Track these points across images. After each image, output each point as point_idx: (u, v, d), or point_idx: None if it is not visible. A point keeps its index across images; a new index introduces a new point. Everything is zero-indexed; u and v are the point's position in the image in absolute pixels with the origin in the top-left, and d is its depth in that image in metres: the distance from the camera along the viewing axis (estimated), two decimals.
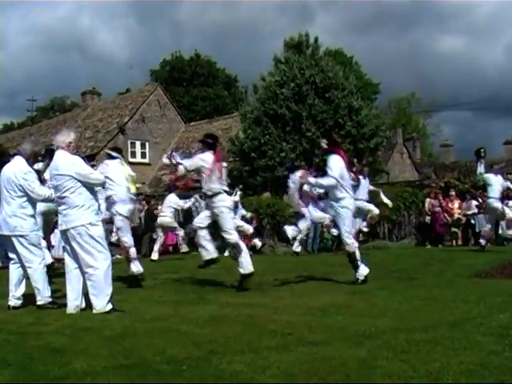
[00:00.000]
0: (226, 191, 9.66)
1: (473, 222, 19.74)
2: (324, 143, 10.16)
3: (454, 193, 20.38)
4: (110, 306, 7.19)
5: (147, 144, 35.32)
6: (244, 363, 4.70)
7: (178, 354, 5.08)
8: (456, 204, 19.76)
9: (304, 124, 21.78)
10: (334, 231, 16.74)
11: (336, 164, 9.58)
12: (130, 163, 32.58)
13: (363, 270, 9.57)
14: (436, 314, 6.50)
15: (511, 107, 67.95)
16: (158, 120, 36.58)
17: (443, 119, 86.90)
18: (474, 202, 19.89)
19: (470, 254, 14.48)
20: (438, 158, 43.23)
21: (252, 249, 17.57)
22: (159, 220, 16.65)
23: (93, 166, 10.31)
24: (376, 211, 14.96)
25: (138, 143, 35.02)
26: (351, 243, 9.68)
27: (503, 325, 5.75)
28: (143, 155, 35.21)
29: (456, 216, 19.40)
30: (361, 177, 15.66)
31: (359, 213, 15.58)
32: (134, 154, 34.56)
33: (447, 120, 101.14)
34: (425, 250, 16.20)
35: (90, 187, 7.29)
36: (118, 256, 13.69)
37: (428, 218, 19.87)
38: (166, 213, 16.41)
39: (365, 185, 15.80)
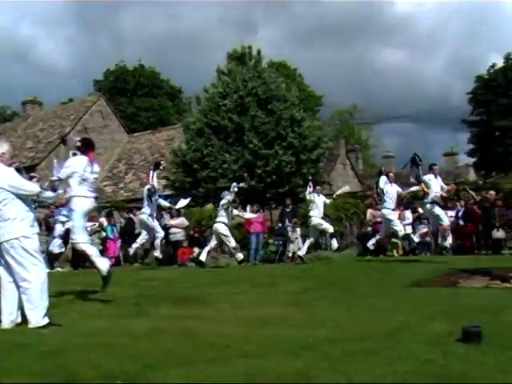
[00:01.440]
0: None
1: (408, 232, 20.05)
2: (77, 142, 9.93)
3: None
4: (46, 320, 7.02)
5: None
6: (179, 376, 4.66)
7: (113, 368, 4.99)
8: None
9: (246, 135, 21.81)
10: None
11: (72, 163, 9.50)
12: None
13: None
14: (373, 324, 6.56)
15: (451, 119, 69.42)
16: (100, 131, 36.16)
17: (385, 131, 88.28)
18: (409, 213, 20.25)
19: (409, 263, 14.66)
20: None
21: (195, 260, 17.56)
22: None
23: (32, 177, 10.10)
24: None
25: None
26: None
27: (438, 333, 5.83)
28: None
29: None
30: (315, 195, 16.03)
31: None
32: None
33: (389, 132, 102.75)
34: (366, 260, 16.36)
35: (25, 198, 7.13)
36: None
37: (370, 229, 20.10)
38: None
39: (320, 203, 16.18)
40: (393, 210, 15.63)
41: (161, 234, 16.09)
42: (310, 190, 16.60)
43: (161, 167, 16.31)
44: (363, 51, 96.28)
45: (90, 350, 5.68)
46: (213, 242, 16.50)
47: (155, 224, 15.84)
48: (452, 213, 19.79)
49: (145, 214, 15.72)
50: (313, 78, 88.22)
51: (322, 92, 55.47)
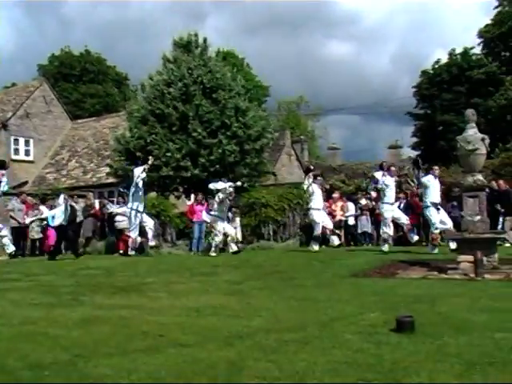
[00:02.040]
0: None
1: (351, 223, 20.29)
2: None
3: (337, 195, 20.83)
4: None
5: (31, 141, 34.04)
6: (110, 366, 4.59)
7: (42, 358, 4.89)
8: (339, 206, 20.19)
9: (190, 124, 21.61)
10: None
11: None
12: (13, 160, 31.58)
13: None
14: (309, 314, 6.57)
15: (396, 112, 70.29)
16: (43, 116, 35.37)
17: (331, 122, 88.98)
18: (352, 205, 20.47)
19: (351, 254, 14.80)
20: (326, 161, 44.08)
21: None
22: None
23: None
24: None
25: (21, 140, 33.67)
26: None
27: (372, 323, 5.88)
28: (27, 153, 33.91)
29: (338, 218, 19.81)
30: (315, 186, 15.97)
31: None
32: (17, 151, 33.24)
33: (335, 123, 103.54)
34: (308, 251, 16.42)
35: None
36: None
37: None
38: None
39: (320, 194, 16.19)
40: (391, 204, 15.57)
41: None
42: (310, 180, 16.47)
43: (149, 162, 16.44)
44: (311, 43, 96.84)
45: (19, 341, 5.56)
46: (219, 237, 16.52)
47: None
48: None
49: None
50: (260, 69, 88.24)
51: (269, 83, 55.65)
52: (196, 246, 18.72)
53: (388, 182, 15.18)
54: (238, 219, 19.23)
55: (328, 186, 22.98)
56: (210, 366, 4.53)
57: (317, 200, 16.21)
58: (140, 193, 16.36)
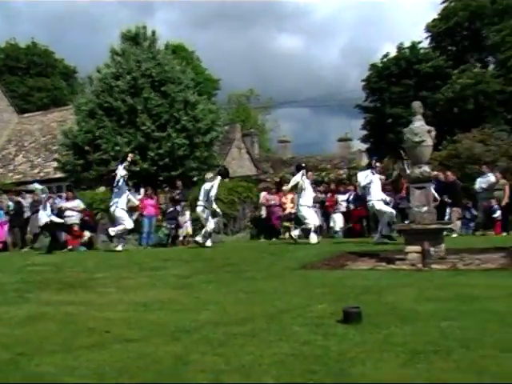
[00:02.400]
0: None
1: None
2: None
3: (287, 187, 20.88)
4: None
5: None
6: (53, 364, 4.50)
7: None
8: (289, 198, 20.24)
9: (139, 117, 21.44)
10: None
11: None
12: None
13: None
14: (258, 307, 6.55)
15: (345, 106, 70.62)
16: None
17: (281, 116, 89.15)
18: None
19: (301, 246, 14.82)
20: (276, 154, 44.18)
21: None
22: None
23: None
24: None
25: None
26: None
27: (319, 315, 5.88)
28: None
29: (288, 210, 19.87)
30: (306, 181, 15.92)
31: None
32: None
33: (285, 117, 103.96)
34: (258, 244, 16.43)
35: None
36: None
37: (264, 212, 20.24)
38: None
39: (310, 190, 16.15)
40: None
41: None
42: (301, 176, 16.08)
43: (128, 159, 16.12)
44: (262, 36, 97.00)
45: None
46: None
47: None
48: (344, 197, 20.22)
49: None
50: (211, 62, 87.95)
51: (219, 76, 55.45)
52: (146, 240, 18.59)
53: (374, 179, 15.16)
54: (187, 213, 19.13)
55: (278, 179, 23.07)
56: (156, 361, 4.48)
57: (307, 197, 16.11)
58: (120, 190, 16.01)
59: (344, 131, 41.39)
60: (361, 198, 18.86)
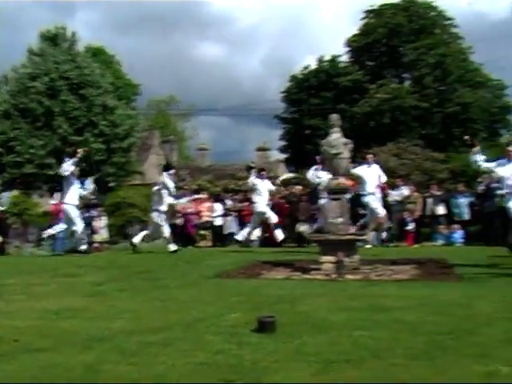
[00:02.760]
0: None
1: (218, 224, 20.40)
2: None
3: (204, 195, 20.90)
4: None
5: None
6: None
7: None
8: (206, 206, 20.23)
9: (56, 120, 21.05)
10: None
11: None
12: None
13: None
14: (173, 315, 6.50)
15: (265, 115, 70.94)
16: None
17: (201, 123, 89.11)
18: (219, 205, 20.59)
19: (217, 254, 14.83)
20: (195, 161, 44.08)
21: None
22: None
23: None
24: None
25: None
26: None
27: (234, 324, 5.89)
28: None
29: (205, 218, 19.86)
30: (260, 180, 16.11)
31: None
32: None
33: (205, 124, 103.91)
34: (176, 251, 16.29)
35: None
36: None
37: (180, 220, 20.14)
38: None
39: (264, 188, 16.14)
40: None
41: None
42: (254, 174, 16.22)
43: (78, 155, 15.59)
44: (183, 43, 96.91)
45: None
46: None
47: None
48: None
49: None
50: (132, 67, 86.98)
51: (140, 81, 54.91)
52: (60, 246, 18.18)
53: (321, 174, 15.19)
54: (103, 219, 18.86)
55: (196, 187, 23.01)
56: (67, 370, 4.38)
57: (262, 196, 16.13)
58: (70, 187, 15.51)
59: (263, 140, 41.77)
60: (277, 208, 19.00)
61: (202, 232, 19.37)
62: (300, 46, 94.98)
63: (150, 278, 10.16)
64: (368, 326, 5.68)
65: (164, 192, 15.44)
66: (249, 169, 16.41)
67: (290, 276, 10.30)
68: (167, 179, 15.49)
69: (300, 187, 20.86)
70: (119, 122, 22.21)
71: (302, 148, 38.04)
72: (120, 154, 22.11)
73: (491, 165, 12.10)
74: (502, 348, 4.85)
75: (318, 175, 15.22)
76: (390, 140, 29.51)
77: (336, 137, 10.98)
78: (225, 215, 20.51)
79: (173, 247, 15.54)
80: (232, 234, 20.33)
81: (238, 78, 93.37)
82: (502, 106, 37.96)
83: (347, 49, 42.24)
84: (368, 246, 16.39)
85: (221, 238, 20.59)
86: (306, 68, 41.88)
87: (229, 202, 20.70)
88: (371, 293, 7.93)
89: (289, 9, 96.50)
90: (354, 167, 15.38)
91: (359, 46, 40.80)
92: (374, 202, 15.72)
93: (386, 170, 23.52)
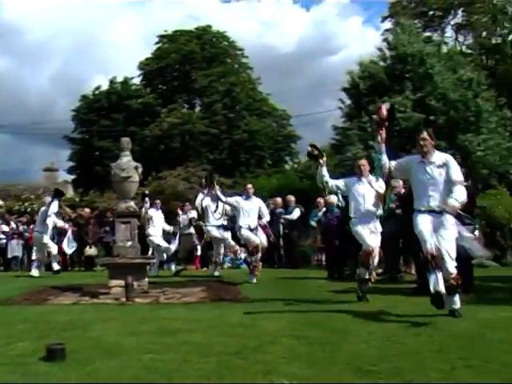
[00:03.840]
0: None
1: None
2: None
3: None
4: None
5: None
6: None
7: None
8: None
9: None
10: None
11: None
12: None
13: None
14: None
15: (52, 134, 68.72)
16: None
17: None
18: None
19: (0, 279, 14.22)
20: None
21: None
22: None
23: None
24: None
25: None
26: None
27: (21, 353, 5.70)
28: None
29: None
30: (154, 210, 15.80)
31: None
32: None
33: None
34: None
35: None
36: None
37: None
38: None
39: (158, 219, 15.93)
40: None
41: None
42: (147, 205, 15.38)
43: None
44: None
45: None
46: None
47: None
48: None
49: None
50: None
51: None
52: None
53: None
54: None
55: None
56: None
57: (156, 227, 15.80)
58: None
59: (50, 161, 40.52)
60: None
61: None
62: (91, 64, 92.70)
63: None
64: (158, 350, 5.78)
65: None
66: (143, 197, 15.61)
67: (78, 301, 10.17)
68: None
69: (88, 210, 20.54)
70: None
71: (91, 169, 37.42)
72: None
73: (339, 182, 9.38)
74: (286, 364, 5.18)
75: (204, 201, 14.68)
76: (179, 164, 29.94)
77: (126, 160, 11.07)
78: (10, 238, 19.60)
79: None
80: (16, 258, 19.53)
81: (25, 94, 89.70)
82: (286, 134, 39.94)
83: (140, 72, 42.33)
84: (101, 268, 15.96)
85: (5, 261, 19.64)
86: (97, 88, 41.33)
87: (13, 225, 19.84)
88: (160, 316, 8.05)
89: (81, 26, 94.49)
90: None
91: (152, 69, 41.02)
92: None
93: (175, 193, 23.99)
